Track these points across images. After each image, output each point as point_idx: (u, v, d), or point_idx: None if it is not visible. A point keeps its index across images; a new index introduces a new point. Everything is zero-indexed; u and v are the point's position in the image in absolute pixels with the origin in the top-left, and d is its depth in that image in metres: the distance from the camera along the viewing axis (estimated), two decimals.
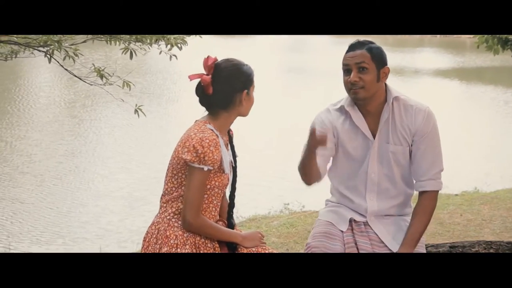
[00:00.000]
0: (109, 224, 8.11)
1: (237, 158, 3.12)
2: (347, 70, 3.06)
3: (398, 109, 3.09)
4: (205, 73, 2.98)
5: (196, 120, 2.99)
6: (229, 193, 3.13)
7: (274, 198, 8.65)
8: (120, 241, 7.49)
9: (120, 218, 8.29)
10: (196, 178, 2.86)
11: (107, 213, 8.54)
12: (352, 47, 3.08)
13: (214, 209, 3.00)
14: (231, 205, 3.13)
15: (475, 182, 9.37)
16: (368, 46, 3.06)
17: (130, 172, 10.50)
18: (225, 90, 2.94)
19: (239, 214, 7.32)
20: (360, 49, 3.04)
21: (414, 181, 3.16)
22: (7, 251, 7.00)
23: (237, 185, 3.12)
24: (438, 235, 6.14)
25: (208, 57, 2.99)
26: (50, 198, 9.09)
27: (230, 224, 3.07)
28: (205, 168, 2.85)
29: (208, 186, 2.94)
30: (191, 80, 2.99)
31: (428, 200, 3.11)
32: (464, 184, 9.11)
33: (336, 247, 3.04)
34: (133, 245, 6.94)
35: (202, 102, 3.01)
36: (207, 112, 3.02)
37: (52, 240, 7.60)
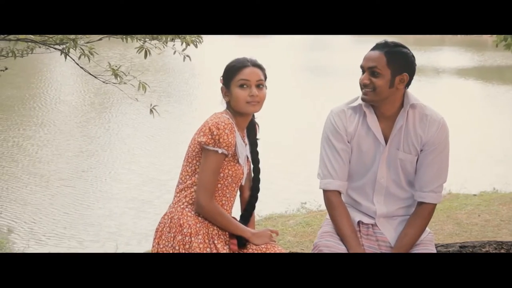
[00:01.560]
0: (117, 226, 8.12)
1: (259, 156, 3.15)
2: (362, 69, 3.04)
3: (413, 117, 3.06)
4: None
5: (215, 112, 3.05)
6: (250, 191, 3.17)
7: (291, 197, 8.64)
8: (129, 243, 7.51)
9: (127, 220, 8.30)
10: (211, 160, 2.89)
11: (116, 214, 8.55)
12: (374, 47, 3.04)
13: (226, 203, 3.02)
14: (251, 205, 3.17)
15: (494, 182, 9.29)
16: (389, 49, 2.99)
17: (139, 172, 10.48)
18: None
19: (256, 213, 7.31)
20: (379, 51, 2.99)
21: (415, 190, 3.13)
22: (23, 250, 7.03)
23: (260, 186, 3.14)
24: (455, 235, 6.10)
25: None
26: (56, 199, 9.10)
27: (245, 220, 3.10)
28: (220, 151, 2.88)
29: (222, 174, 2.96)
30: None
31: (427, 211, 3.09)
32: (482, 185, 9.05)
33: (343, 247, 3.02)
34: (140, 248, 6.94)
35: None
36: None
37: (61, 241, 7.63)
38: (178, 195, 3.01)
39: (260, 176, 3.16)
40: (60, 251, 7.18)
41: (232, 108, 3.03)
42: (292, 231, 6.43)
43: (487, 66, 26.21)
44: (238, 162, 2.98)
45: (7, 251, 6.94)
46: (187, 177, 2.99)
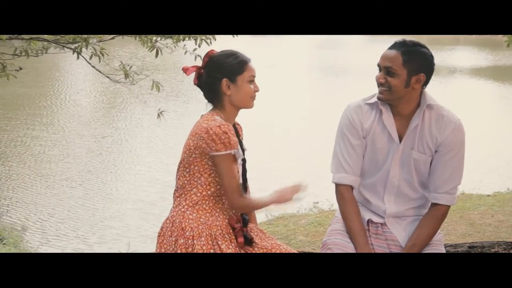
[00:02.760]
0: (124, 226, 8.15)
1: (245, 152, 3.11)
2: (379, 67, 3.03)
3: (429, 117, 3.04)
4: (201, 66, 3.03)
5: (202, 115, 3.01)
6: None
7: (304, 196, 8.56)
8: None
9: (134, 221, 8.32)
10: (228, 164, 2.87)
11: (124, 215, 8.57)
12: (391, 46, 3.01)
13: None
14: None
15: (508, 182, 9.22)
16: (406, 49, 2.96)
17: (145, 172, 10.49)
18: (208, 81, 2.99)
19: (268, 212, 7.32)
20: (396, 51, 2.97)
21: (429, 191, 3.10)
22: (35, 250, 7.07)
23: (247, 178, 3.08)
24: (468, 236, 6.06)
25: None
26: (62, 199, 9.14)
27: (244, 220, 3.04)
28: (232, 152, 2.87)
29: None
30: (187, 74, 3.04)
31: (440, 212, 3.07)
32: (496, 185, 9.02)
33: (351, 245, 3.01)
34: (146, 249, 6.97)
35: (204, 95, 3.05)
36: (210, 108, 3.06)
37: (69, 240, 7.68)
38: (178, 199, 2.99)
39: (248, 176, 3.09)
40: (66, 251, 7.23)
41: (233, 104, 2.99)
42: (304, 231, 6.43)
43: (501, 65, 26.04)
44: (236, 160, 2.96)
45: (17, 251, 6.98)
46: (186, 182, 2.97)
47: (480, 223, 6.46)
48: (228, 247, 2.90)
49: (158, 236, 2.99)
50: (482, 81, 22.15)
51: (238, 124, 3.15)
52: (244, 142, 3.12)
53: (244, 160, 3.05)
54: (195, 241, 2.86)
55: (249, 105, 3.01)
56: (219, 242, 2.89)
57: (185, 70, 3.04)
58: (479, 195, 8.00)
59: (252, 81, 2.99)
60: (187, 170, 2.96)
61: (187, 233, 2.88)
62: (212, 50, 3.05)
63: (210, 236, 2.89)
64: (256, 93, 3.03)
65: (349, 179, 3.10)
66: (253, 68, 3.00)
